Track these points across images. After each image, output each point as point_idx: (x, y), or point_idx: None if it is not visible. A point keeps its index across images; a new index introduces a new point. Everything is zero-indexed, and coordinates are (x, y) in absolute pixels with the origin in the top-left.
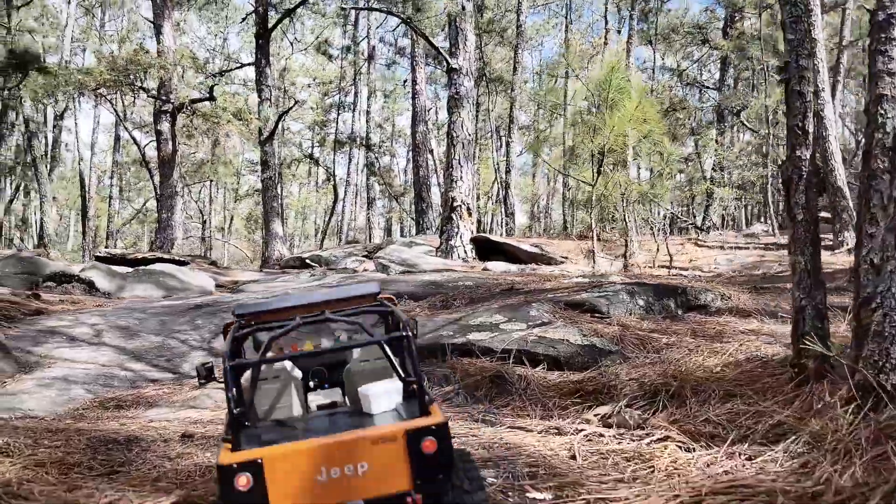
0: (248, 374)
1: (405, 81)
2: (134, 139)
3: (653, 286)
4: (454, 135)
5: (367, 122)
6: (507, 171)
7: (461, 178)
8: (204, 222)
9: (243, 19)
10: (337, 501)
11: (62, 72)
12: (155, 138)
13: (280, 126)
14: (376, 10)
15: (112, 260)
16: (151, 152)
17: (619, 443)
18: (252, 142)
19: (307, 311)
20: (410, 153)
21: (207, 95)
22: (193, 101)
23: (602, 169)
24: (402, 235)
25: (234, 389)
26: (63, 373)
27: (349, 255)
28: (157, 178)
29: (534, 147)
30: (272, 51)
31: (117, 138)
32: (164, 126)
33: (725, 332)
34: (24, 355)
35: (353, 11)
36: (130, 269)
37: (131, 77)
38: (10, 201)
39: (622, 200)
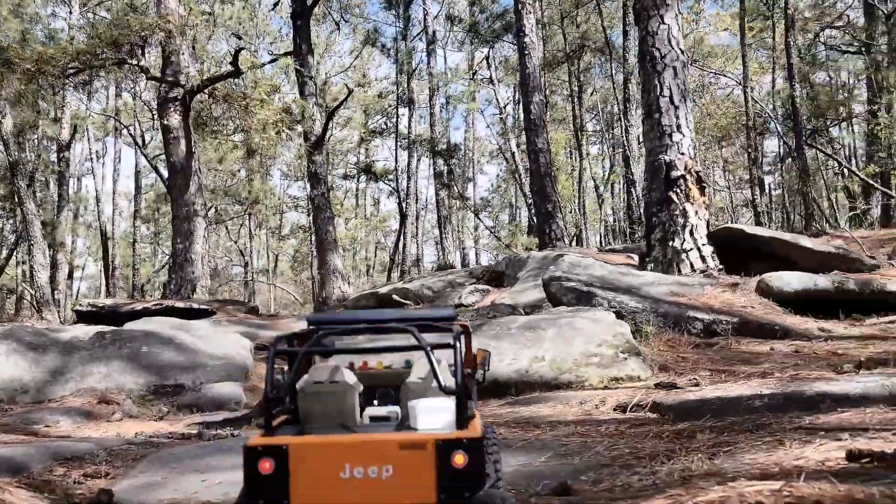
0: (303, 381)
1: (486, 59)
2: (146, 157)
3: None
4: (656, 53)
5: (430, 123)
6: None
7: (677, 126)
8: (246, 264)
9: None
10: (357, 503)
11: (12, 48)
12: (162, 137)
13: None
14: None
15: (98, 316)
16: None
17: None
18: (297, 152)
19: (378, 326)
20: (524, 134)
21: (230, 69)
22: (211, 80)
23: None
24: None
25: (272, 373)
26: None
27: (451, 284)
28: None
29: None
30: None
31: (138, 173)
32: (174, 119)
33: None
34: None
35: None
36: (109, 330)
37: (122, 51)
38: (12, 251)
39: None
